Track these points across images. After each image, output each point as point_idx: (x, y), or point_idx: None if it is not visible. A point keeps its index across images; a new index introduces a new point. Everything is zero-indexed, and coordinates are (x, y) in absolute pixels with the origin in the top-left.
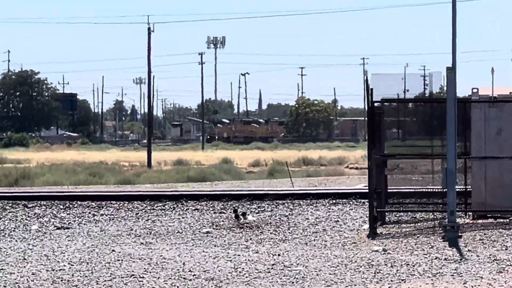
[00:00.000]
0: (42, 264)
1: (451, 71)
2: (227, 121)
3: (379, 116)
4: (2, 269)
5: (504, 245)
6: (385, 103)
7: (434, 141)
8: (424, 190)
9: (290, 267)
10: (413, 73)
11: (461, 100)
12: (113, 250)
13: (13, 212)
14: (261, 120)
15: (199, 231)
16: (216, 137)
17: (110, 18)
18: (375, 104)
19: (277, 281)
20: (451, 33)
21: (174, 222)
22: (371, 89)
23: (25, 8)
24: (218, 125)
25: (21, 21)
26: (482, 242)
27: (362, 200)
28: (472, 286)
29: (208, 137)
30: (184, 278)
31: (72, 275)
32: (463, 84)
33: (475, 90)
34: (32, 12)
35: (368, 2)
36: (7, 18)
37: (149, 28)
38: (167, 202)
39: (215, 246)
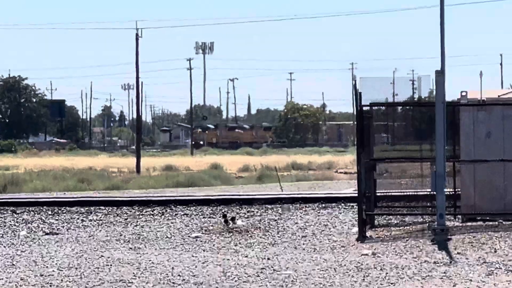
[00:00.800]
0: (30, 270)
1: (440, 74)
2: (212, 127)
3: (368, 120)
4: None
5: (493, 247)
6: (374, 107)
7: (423, 146)
8: (413, 193)
9: (279, 271)
10: (402, 76)
11: (450, 103)
12: (102, 256)
13: (1, 218)
14: (246, 126)
15: (188, 236)
16: (201, 143)
17: (98, 23)
18: (364, 108)
19: (266, 285)
20: (440, 36)
21: (163, 227)
22: (360, 93)
23: (12, 13)
24: (205, 131)
25: (8, 26)
26: (472, 245)
27: (351, 204)
28: None
29: (193, 143)
30: (173, 283)
31: (61, 280)
32: (452, 89)
33: (463, 94)
34: (19, 17)
35: (357, 7)
36: None
37: (137, 34)
38: (156, 207)
39: (204, 250)
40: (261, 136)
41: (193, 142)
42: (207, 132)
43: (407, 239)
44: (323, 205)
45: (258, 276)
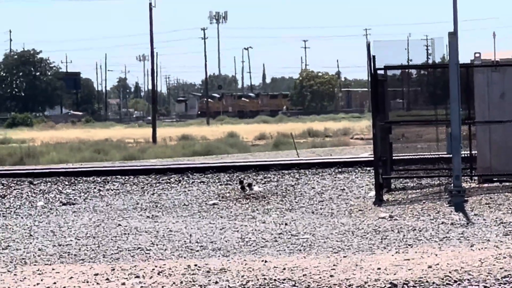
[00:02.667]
0: (48, 240)
1: (453, 36)
2: (218, 96)
3: (383, 84)
4: (8, 245)
5: (510, 208)
6: (389, 72)
7: (438, 110)
8: (429, 156)
9: (297, 235)
10: (415, 39)
11: (464, 65)
12: (119, 224)
13: (19, 189)
14: (251, 94)
15: (206, 203)
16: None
17: None
18: (378, 72)
19: (284, 250)
20: None
21: (180, 195)
22: (374, 56)
23: None
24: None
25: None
26: (488, 206)
27: (368, 168)
28: (479, 249)
29: (199, 112)
30: (191, 249)
31: (79, 249)
32: (466, 52)
33: (477, 55)
34: None
35: None
36: None
37: (150, 4)
38: (173, 175)
39: (221, 217)
40: (267, 104)
41: (199, 112)
42: (212, 101)
43: (424, 201)
44: (340, 169)
45: (276, 241)
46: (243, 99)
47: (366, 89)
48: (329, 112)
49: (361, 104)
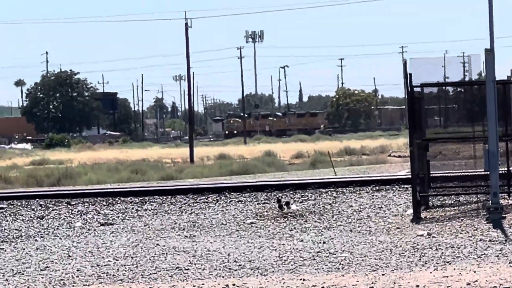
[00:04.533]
0: (86, 260)
1: (490, 53)
2: (246, 115)
3: (419, 102)
4: (47, 266)
5: None
6: (425, 89)
7: (475, 127)
8: (466, 173)
9: (335, 254)
10: (452, 56)
11: (501, 81)
12: (157, 244)
13: (57, 210)
14: (279, 113)
15: (243, 222)
16: (235, 132)
17: (147, 15)
18: (415, 89)
19: (322, 268)
20: (488, 15)
21: (217, 214)
22: (410, 74)
23: (61, 8)
24: (234, 118)
25: (58, 21)
26: None
27: (405, 186)
28: None
29: (227, 132)
30: (229, 269)
31: (117, 269)
32: (502, 68)
33: None
34: (69, 12)
35: None
36: (44, 18)
37: (186, 24)
38: (210, 195)
39: (259, 236)
40: (294, 123)
41: (226, 132)
42: (240, 120)
43: (462, 218)
44: (377, 187)
45: (314, 259)
46: (269, 118)
47: (396, 107)
48: (365, 130)
49: (391, 122)
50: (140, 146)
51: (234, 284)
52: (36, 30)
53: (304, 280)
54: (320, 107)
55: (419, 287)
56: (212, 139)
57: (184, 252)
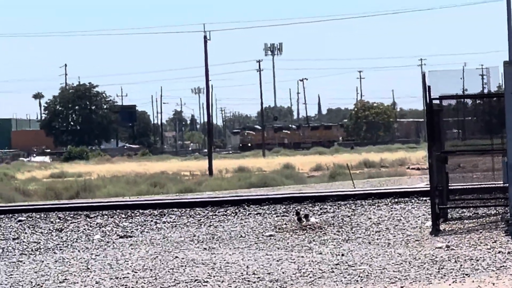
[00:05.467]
0: (105, 273)
1: (508, 65)
2: (259, 128)
3: (438, 114)
4: (65, 279)
5: None
6: (444, 102)
7: (494, 140)
8: (485, 186)
9: (354, 266)
10: (470, 69)
11: None
12: (176, 257)
13: (75, 222)
14: (293, 126)
15: (262, 235)
16: (249, 145)
17: (166, 27)
18: (434, 102)
19: (341, 280)
20: (507, 27)
21: (236, 226)
22: (429, 86)
23: (80, 21)
24: (248, 131)
25: (76, 34)
26: None
27: (424, 198)
28: None
29: (241, 145)
30: (248, 281)
31: (136, 282)
32: None
33: None
34: (88, 24)
35: (424, 3)
36: (63, 31)
37: (205, 37)
38: (229, 207)
39: (278, 248)
40: (308, 136)
41: (241, 145)
42: (254, 133)
43: (481, 231)
44: (396, 200)
45: (333, 271)
46: (284, 131)
47: (411, 119)
48: (384, 142)
49: (406, 135)
50: (159, 158)
51: None
52: (54, 43)
53: None
54: (339, 120)
55: None
56: (230, 152)
57: (203, 264)
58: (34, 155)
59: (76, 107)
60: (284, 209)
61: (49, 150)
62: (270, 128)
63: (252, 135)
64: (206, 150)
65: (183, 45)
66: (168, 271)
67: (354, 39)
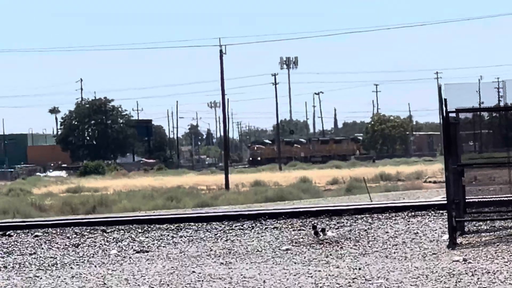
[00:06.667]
0: None
1: None
2: (270, 142)
3: (455, 127)
4: None
5: None
6: (460, 115)
7: (510, 152)
8: (502, 198)
9: (371, 280)
10: (486, 82)
11: None
12: (193, 271)
13: (92, 238)
14: (302, 140)
15: (279, 249)
16: (259, 158)
17: (181, 42)
18: (450, 115)
19: None
20: None
21: (253, 241)
22: (445, 100)
23: (95, 35)
24: (258, 145)
25: (92, 48)
26: None
27: (441, 212)
28: None
29: (251, 159)
30: None
31: None
32: None
33: None
34: (103, 39)
35: (440, 16)
36: (78, 46)
37: (221, 51)
38: (246, 222)
39: (295, 263)
40: (318, 149)
41: (251, 158)
42: (264, 147)
43: (498, 244)
44: (413, 213)
45: (350, 286)
46: (295, 145)
47: (423, 133)
48: (400, 156)
49: (418, 148)
50: (175, 173)
51: None
52: (70, 57)
53: None
54: (355, 133)
55: None
56: (247, 166)
57: (220, 279)
58: (50, 170)
59: (92, 122)
60: (301, 223)
61: (65, 165)
62: (281, 142)
63: (261, 149)
64: (222, 164)
65: (198, 59)
66: (185, 286)
67: (369, 52)
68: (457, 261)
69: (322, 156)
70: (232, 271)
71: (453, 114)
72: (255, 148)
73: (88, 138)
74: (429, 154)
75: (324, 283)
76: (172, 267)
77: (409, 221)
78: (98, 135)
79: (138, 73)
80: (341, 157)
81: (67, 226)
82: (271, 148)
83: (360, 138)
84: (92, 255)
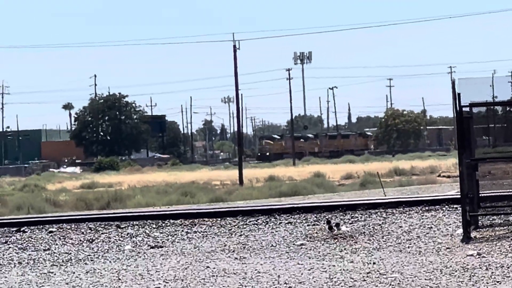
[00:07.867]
0: (136, 283)
1: None
2: (277, 137)
3: (468, 121)
4: None
5: None
6: (474, 109)
7: None
8: None
9: (385, 274)
10: (500, 75)
11: None
12: (207, 266)
13: (106, 233)
14: (310, 135)
15: (293, 244)
16: (267, 154)
17: (195, 37)
18: (464, 109)
19: None
20: None
21: (267, 236)
22: (459, 94)
23: (109, 31)
24: (266, 140)
25: (106, 44)
26: None
27: (455, 206)
28: None
29: (259, 154)
30: None
31: None
32: None
33: None
34: (117, 35)
35: (454, 10)
36: (93, 42)
37: (234, 46)
38: (260, 217)
39: (309, 258)
40: (326, 145)
41: (259, 154)
42: (272, 143)
43: None
44: (427, 208)
45: (365, 280)
46: (301, 140)
47: (434, 127)
48: (414, 150)
49: (430, 143)
50: (189, 168)
51: None
52: (84, 53)
53: None
54: (369, 128)
55: None
56: (256, 161)
57: (234, 274)
58: (65, 165)
59: (106, 118)
60: (315, 218)
61: (79, 161)
62: (288, 137)
63: (269, 144)
64: (236, 159)
65: (212, 54)
66: (200, 281)
67: (383, 47)
68: (471, 255)
69: (330, 151)
70: (246, 266)
71: (467, 109)
72: (263, 143)
73: (102, 133)
74: (442, 149)
75: (339, 278)
76: (187, 262)
77: (423, 216)
78: (112, 131)
79: (152, 68)
80: (349, 152)
81: (82, 221)
82: (280, 143)
83: (369, 133)
84: (106, 250)
